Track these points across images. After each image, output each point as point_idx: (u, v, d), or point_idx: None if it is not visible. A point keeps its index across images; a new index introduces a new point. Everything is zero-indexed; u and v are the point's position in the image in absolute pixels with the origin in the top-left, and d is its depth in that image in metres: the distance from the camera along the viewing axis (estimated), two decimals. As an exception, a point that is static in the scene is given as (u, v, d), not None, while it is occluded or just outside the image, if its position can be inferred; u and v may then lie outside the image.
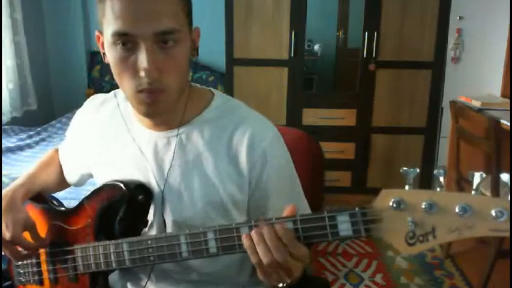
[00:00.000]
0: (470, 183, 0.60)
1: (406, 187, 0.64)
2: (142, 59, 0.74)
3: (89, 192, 0.93)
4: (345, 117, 3.19)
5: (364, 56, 3.07)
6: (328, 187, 2.99)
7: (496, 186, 1.94)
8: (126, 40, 0.75)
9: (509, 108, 2.19)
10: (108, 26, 0.76)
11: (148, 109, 0.80)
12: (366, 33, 3.04)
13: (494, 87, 2.56)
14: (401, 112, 3.17)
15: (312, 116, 3.20)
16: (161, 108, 0.80)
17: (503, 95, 2.49)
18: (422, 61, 3.08)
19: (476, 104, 2.35)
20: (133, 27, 0.74)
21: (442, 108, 3.09)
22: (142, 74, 0.75)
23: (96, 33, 0.84)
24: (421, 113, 3.16)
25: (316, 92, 3.64)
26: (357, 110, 3.19)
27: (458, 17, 2.89)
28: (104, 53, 0.82)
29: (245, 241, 0.72)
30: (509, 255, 2.03)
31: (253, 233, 0.71)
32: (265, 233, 0.70)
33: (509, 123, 2.02)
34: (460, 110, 2.37)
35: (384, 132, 3.21)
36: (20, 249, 0.91)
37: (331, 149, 3.13)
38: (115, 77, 0.80)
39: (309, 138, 1.23)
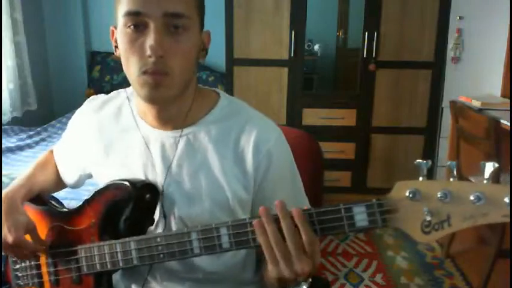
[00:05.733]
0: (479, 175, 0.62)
1: (420, 178, 0.66)
2: (150, 37, 0.77)
3: (89, 192, 0.92)
4: (345, 117, 3.19)
5: (364, 56, 3.07)
6: (328, 187, 2.99)
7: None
8: (137, 21, 0.78)
9: (509, 108, 2.19)
10: (121, 8, 0.79)
11: (151, 92, 0.80)
12: (366, 33, 3.04)
13: (494, 87, 2.56)
14: (401, 112, 3.18)
15: (312, 116, 3.20)
16: (163, 93, 0.80)
17: (503, 95, 2.49)
18: (422, 61, 3.08)
19: (476, 104, 2.35)
20: (145, 6, 0.77)
21: (442, 108, 3.09)
22: (148, 52, 0.77)
23: (111, 28, 0.87)
24: (421, 113, 3.17)
25: (316, 92, 3.64)
26: (357, 110, 3.19)
27: (458, 17, 2.90)
28: (116, 47, 0.84)
29: (256, 227, 0.71)
30: (509, 255, 2.04)
31: (262, 211, 0.71)
32: (278, 211, 0.70)
33: (509, 123, 2.02)
34: (460, 110, 2.37)
35: (384, 132, 3.21)
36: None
37: (331, 149, 3.14)
38: (123, 62, 0.82)
39: (309, 138, 1.23)
